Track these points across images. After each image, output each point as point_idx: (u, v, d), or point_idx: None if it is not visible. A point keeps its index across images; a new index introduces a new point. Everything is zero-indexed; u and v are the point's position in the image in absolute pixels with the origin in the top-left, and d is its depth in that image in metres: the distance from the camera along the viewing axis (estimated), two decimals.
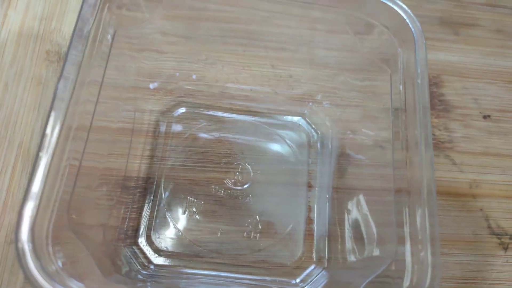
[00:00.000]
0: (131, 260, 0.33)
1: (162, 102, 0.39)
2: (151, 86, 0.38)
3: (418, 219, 0.27)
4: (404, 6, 0.31)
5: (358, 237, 0.34)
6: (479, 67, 0.47)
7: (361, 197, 0.36)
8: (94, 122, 0.28)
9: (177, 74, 0.39)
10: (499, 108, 0.45)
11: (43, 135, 0.24)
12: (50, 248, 0.23)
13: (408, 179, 0.29)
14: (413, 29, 0.31)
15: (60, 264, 0.23)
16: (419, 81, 0.29)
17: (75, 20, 0.41)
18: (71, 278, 0.22)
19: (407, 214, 0.28)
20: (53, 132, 0.24)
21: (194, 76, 0.40)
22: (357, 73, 0.36)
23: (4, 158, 0.36)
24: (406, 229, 0.27)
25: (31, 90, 0.39)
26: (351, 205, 0.36)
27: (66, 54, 0.26)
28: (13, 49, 0.40)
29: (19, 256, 0.21)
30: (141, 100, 0.38)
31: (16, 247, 0.21)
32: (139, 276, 0.32)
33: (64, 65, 0.26)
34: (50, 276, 0.21)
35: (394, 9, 0.31)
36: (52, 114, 0.25)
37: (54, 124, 0.24)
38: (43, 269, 0.21)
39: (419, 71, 0.30)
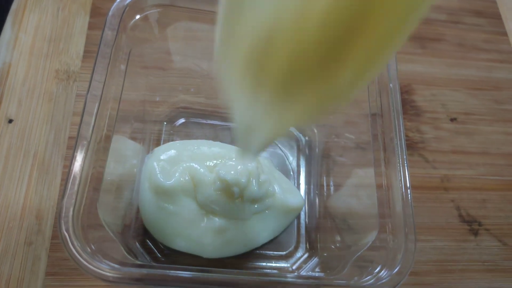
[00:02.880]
0: (142, 253, 0.37)
1: (165, 113, 0.43)
2: (157, 99, 0.42)
3: (396, 210, 0.31)
4: None
5: (345, 228, 0.38)
6: (445, 76, 0.52)
7: (346, 192, 0.40)
8: (114, 134, 0.32)
9: (179, 88, 0.43)
10: (464, 111, 0.50)
11: (75, 145, 0.28)
12: (84, 235, 0.26)
13: (387, 175, 0.33)
14: None
15: (94, 247, 0.26)
16: (391, 86, 0.34)
17: (81, 41, 0.46)
18: (105, 259, 0.25)
19: (387, 206, 0.32)
20: (83, 142, 0.28)
21: (192, 89, 0.44)
22: None
23: (21, 168, 0.40)
24: (387, 219, 0.31)
25: (43, 106, 0.42)
26: (337, 200, 0.41)
27: (92, 72, 0.30)
28: (25, 69, 0.44)
29: (63, 240, 0.25)
30: (148, 112, 0.42)
31: (60, 234, 0.25)
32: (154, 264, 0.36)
33: (90, 82, 0.30)
34: (89, 256, 0.25)
35: None
36: (82, 126, 0.29)
37: (83, 136, 0.28)
38: (83, 251, 0.25)
39: (391, 81, 0.35)
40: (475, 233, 0.44)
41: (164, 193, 0.36)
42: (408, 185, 0.31)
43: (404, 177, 0.32)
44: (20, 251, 0.36)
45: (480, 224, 0.44)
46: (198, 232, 0.36)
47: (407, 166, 0.32)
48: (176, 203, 0.36)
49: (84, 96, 0.42)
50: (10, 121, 0.41)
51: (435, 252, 0.42)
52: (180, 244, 0.37)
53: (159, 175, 0.37)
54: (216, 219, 0.37)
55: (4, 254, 0.36)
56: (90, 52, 0.46)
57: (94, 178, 0.29)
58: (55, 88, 0.43)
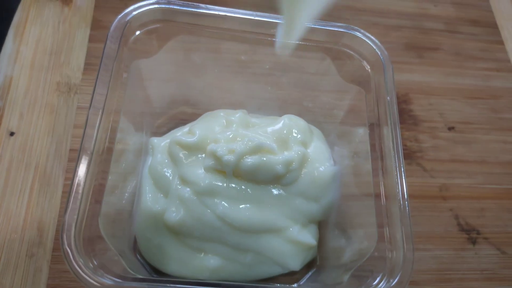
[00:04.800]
0: (143, 265, 0.37)
1: (165, 125, 0.44)
2: (157, 111, 0.43)
3: (394, 220, 0.31)
4: (373, 38, 0.37)
5: (344, 238, 0.38)
6: (442, 85, 0.53)
7: (343, 202, 0.40)
8: (116, 146, 0.33)
9: (179, 100, 0.44)
10: (462, 120, 0.51)
11: (78, 158, 0.29)
12: (86, 249, 0.26)
13: (385, 185, 0.33)
14: (381, 57, 0.36)
15: (95, 262, 0.26)
16: (388, 99, 0.35)
17: (82, 53, 0.47)
18: (107, 274, 0.26)
19: (386, 216, 0.32)
20: (85, 155, 0.29)
21: (191, 101, 0.44)
22: (337, 94, 0.42)
23: (22, 180, 0.40)
24: (386, 229, 0.32)
25: (44, 118, 0.43)
26: (335, 210, 0.40)
27: (94, 86, 0.31)
28: (26, 82, 0.45)
29: (65, 255, 0.25)
30: (148, 123, 0.42)
31: (62, 249, 0.25)
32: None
33: (93, 95, 0.30)
34: (91, 271, 0.25)
35: (365, 40, 0.37)
36: (85, 139, 0.29)
37: (86, 149, 0.29)
38: (85, 266, 0.25)
39: (388, 91, 0.35)
40: (474, 241, 0.44)
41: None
42: (405, 195, 0.32)
43: (402, 187, 0.32)
44: (22, 263, 0.37)
45: (478, 233, 0.45)
46: (192, 272, 0.37)
47: (404, 176, 0.32)
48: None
49: (85, 108, 0.44)
50: (12, 134, 0.42)
51: (434, 261, 0.42)
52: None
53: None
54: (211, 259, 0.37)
55: (6, 266, 0.36)
56: (91, 65, 0.46)
57: (96, 191, 0.30)
58: (56, 101, 0.44)
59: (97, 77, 0.31)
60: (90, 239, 0.27)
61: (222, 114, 0.41)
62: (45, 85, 0.45)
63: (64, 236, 0.26)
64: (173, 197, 0.37)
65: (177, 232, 0.36)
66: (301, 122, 0.41)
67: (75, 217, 0.27)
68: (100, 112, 0.30)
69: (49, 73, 0.45)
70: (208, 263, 0.36)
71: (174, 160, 0.38)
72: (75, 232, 0.26)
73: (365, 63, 0.37)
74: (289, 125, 0.40)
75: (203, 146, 0.38)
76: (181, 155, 0.38)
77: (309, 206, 0.38)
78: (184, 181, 0.37)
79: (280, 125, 0.40)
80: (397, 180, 0.32)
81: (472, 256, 0.43)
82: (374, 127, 0.36)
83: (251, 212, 0.37)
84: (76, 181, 0.28)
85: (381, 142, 0.35)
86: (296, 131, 0.40)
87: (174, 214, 0.36)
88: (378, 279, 0.29)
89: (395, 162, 0.33)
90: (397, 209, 0.31)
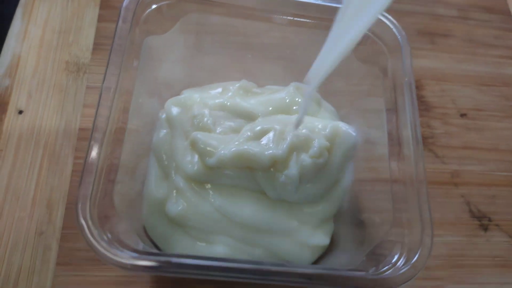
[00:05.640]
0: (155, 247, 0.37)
1: None
2: (164, 94, 0.42)
3: (412, 204, 0.31)
4: (391, 18, 0.36)
5: (357, 222, 0.38)
6: (454, 72, 0.52)
7: (357, 187, 0.40)
8: (128, 126, 0.32)
9: (189, 78, 0.43)
10: (474, 107, 0.50)
11: (91, 137, 0.28)
12: (100, 224, 0.26)
13: (402, 170, 0.33)
14: (399, 38, 0.36)
15: (109, 235, 0.26)
16: (406, 80, 0.34)
17: (91, 33, 0.46)
18: (122, 248, 0.25)
19: (403, 201, 0.32)
20: (98, 134, 0.28)
21: (202, 80, 0.43)
22: (352, 75, 0.41)
23: (31, 158, 0.39)
24: (402, 214, 0.31)
25: (53, 97, 0.42)
26: (348, 194, 0.40)
27: (107, 65, 0.30)
28: (34, 61, 0.44)
29: (80, 229, 0.25)
30: (156, 106, 0.42)
31: (77, 223, 0.25)
32: None
33: (105, 75, 0.30)
34: (106, 244, 0.24)
35: (382, 20, 0.36)
36: (98, 119, 0.29)
37: (99, 128, 0.28)
38: (100, 239, 0.25)
39: (406, 74, 0.35)
40: (485, 228, 0.44)
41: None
42: (424, 180, 0.31)
43: (421, 172, 0.31)
44: (31, 241, 0.36)
45: (490, 220, 0.44)
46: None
47: (423, 160, 0.32)
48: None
49: (94, 88, 0.43)
50: (20, 112, 0.41)
51: (445, 247, 0.42)
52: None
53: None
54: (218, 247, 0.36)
55: (15, 244, 0.36)
56: (100, 45, 0.46)
57: (110, 170, 0.29)
58: (65, 80, 0.43)
59: (109, 57, 0.30)
60: (105, 215, 0.27)
61: (224, 84, 0.40)
62: (53, 64, 0.44)
63: (80, 210, 0.25)
64: (171, 186, 0.37)
65: (179, 224, 0.36)
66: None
67: (90, 191, 0.26)
68: (113, 92, 0.29)
69: (57, 53, 0.45)
70: (215, 251, 0.35)
71: (171, 134, 0.38)
72: (90, 206, 0.26)
73: (381, 44, 0.36)
74: (293, 94, 0.39)
75: (190, 104, 0.38)
76: (176, 123, 0.38)
77: (320, 207, 0.37)
78: (177, 166, 0.36)
79: (283, 94, 0.39)
80: (416, 165, 0.31)
81: (483, 243, 0.43)
82: (391, 113, 0.35)
83: (253, 210, 0.36)
84: (90, 159, 0.28)
85: (398, 126, 0.34)
86: (300, 100, 0.39)
87: (174, 206, 0.35)
88: (393, 260, 0.29)
89: (414, 147, 0.32)
90: (415, 195, 0.31)
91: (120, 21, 0.32)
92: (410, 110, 0.33)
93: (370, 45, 0.37)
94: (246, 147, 0.35)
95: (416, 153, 0.32)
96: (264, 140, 0.36)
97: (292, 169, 0.35)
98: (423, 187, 0.30)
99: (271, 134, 0.36)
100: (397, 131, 0.33)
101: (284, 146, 0.35)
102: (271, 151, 0.34)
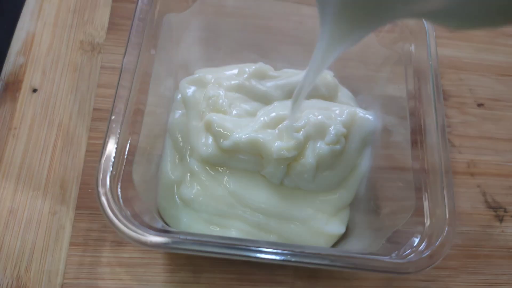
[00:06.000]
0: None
1: None
2: (180, 74, 0.42)
3: (435, 194, 0.30)
4: None
5: (375, 209, 0.37)
6: (472, 61, 0.51)
7: (373, 174, 0.39)
8: (147, 108, 0.32)
9: (202, 62, 0.42)
10: (492, 97, 0.50)
11: (110, 115, 0.28)
12: (121, 201, 0.26)
13: (425, 159, 0.32)
14: (425, 23, 0.35)
15: (127, 213, 0.26)
16: (432, 68, 0.33)
17: (106, 12, 0.45)
18: (141, 225, 0.25)
19: (424, 190, 0.31)
20: (119, 114, 0.28)
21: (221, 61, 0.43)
22: (374, 64, 0.40)
23: (45, 137, 0.39)
24: (425, 203, 0.31)
25: (67, 76, 0.42)
26: (366, 181, 0.39)
27: (126, 46, 0.30)
28: (49, 39, 0.43)
29: (102, 207, 0.24)
30: (172, 87, 0.41)
31: (99, 201, 0.25)
32: None
33: (124, 55, 0.29)
34: (128, 221, 0.24)
35: None
36: (117, 99, 0.28)
37: (119, 107, 0.28)
38: (122, 217, 0.24)
39: (431, 60, 0.34)
40: (501, 219, 0.43)
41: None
42: (450, 169, 0.31)
43: (445, 161, 0.31)
44: (45, 220, 0.36)
45: (505, 211, 0.44)
46: None
47: (448, 150, 0.31)
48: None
49: (109, 68, 0.43)
50: (35, 90, 0.41)
51: (460, 237, 0.41)
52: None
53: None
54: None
55: (29, 222, 0.36)
56: (115, 25, 0.45)
57: (128, 150, 0.29)
58: (80, 59, 0.43)
59: (128, 37, 0.30)
60: (125, 194, 0.27)
61: (240, 65, 0.40)
62: (68, 43, 0.44)
63: (100, 189, 0.25)
64: (185, 169, 0.36)
65: (193, 208, 0.35)
66: (328, 77, 0.40)
67: (110, 170, 0.26)
68: (132, 74, 0.29)
69: (72, 31, 0.44)
70: (230, 234, 0.35)
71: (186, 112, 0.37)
72: (110, 185, 0.25)
73: (405, 29, 0.35)
74: None
75: (205, 83, 0.38)
76: (190, 104, 0.37)
77: (337, 195, 0.37)
78: (191, 148, 0.36)
79: (299, 78, 0.39)
80: (441, 154, 0.31)
81: (498, 234, 0.43)
82: (413, 98, 0.35)
83: (267, 195, 0.36)
84: (109, 138, 0.27)
85: (421, 114, 0.33)
86: (319, 85, 0.39)
87: (188, 190, 0.35)
88: (414, 247, 0.28)
89: (439, 135, 0.32)
90: (439, 184, 0.30)
91: (140, 1, 0.32)
92: (435, 97, 0.32)
93: (393, 30, 0.36)
94: (261, 136, 0.34)
95: (441, 142, 0.32)
96: (279, 129, 0.35)
97: (309, 158, 0.35)
98: (448, 176, 0.30)
99: (286, 123, 0.35)
100: (420, 118, 0.33)
101: (299, 137, 0.34)
102: (282, 145, 0.34)
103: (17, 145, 0.38)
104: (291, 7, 0.39)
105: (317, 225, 0.36)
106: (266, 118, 0.36)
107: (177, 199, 0.36)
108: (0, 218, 0.36)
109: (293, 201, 0.36)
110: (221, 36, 0.40)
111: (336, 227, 0.36)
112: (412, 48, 0.36)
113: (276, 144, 0.34)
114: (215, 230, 0.35)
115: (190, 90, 0.38)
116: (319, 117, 0.36)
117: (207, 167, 0.36)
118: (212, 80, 0.38)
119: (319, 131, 0.36)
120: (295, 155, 0.34)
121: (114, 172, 0.26)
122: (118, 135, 0.27)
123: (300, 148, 0.34)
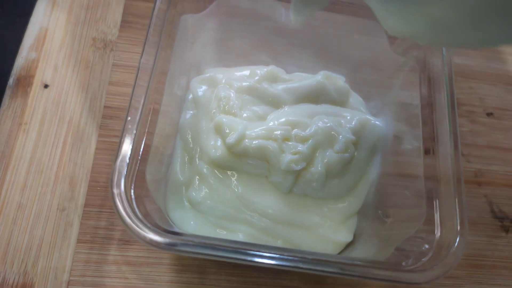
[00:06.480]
0: None
1: None
2: (192, 75, 0.42)
3: (447, 203, 0.30)
4: None
5: (384, 217, 0.37)
6: (483, 70, 0.51)
7: (381, 180, 0.39)
8: (161, 108, 0.32)
9: (215, 63, 0.42)
10: (501, 107, 0.49)
11: (127, 116, 0.28)
12: (134, 202, 0.26)
13: (436, 167, 0.32)
14: None
15: (140, 213, 0.26)
16: (446, 76, 0.33)
17: (119, 10, 0.45)
18: (152, 226, 0.25)
19: (435, 198, 0.31)
20: (135, 114, 0.28)
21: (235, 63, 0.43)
22: (387, 70, 0.40)
23: (56, 133, 0.39)
24: (435, 212, 0.30)
25: (79, 73, 0.42)
26: (375, 188, 0.39)
27: (144, 45, 0.30)
28: (61, 35, 0.43)
29: (115, 207, 0.24)
30: (185, 87, 0.41)
31: (113, 201, 0.25)
32: None
33: (142, 54, 0.30)
34: (141, 223, 0.24)
35: None
36: (134, 98, 0.28)
37: (135, 107, 0.28)
38: (135, 218, 0.24)
39: (446, 70, 0.34)
40: (507, 230, 0.43)
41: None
42: (461, 179, 0.31)
43: (458, 170, 0.31)
44: (53, 216, 0.36)
45: None
46: None
47: (460, 159, 0.31)
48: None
49: (121, 66, 0.43)
50: (46, 86, 0.41)
51: (466, 246, 0.41)
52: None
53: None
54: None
55: (37, 217, 0.36)
56: (128, 22, 0.45)
57: (143, 149, 0.29)
58: (92, 56, 0.43)
59: (146, 37, 0.30)
60: (137, 195, 0.27)
61: (252, 67, 0.40)
62: (80, 40, 0.44)
63: (114, 190, 0.25)
64: (194, 171, 0.36)
65: (201, 210, 0.35)
66: (339, 82, 0.40)
67: (125, 171, 0.26)
68: (149, 73, 0.29)
69: (85, 28, 0.44)
70: (237, 238, 0.35)
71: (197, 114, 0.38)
72: (125, 186, 0.25)
73: None
74: (322, 83, 0.39)
75: (216, 83, 0.38)
76: (201, 103, 0.37)
77: (346, 203, 0.37)
78: (201, 150, 0.36)
79: (311, 82, 0.39)
80: (454, 164, 0.31)
81: (504, 244, 0.42)
82: (426, 106, 0.35)
83: (276, 201, 0.36)
84: (124, 138, 0.27)
85: (434, 122, 0.33)
86: (330, 90, 0.39)
87: (197, 192, 0.35)
88: (424, 258, 0.28)
89: (452, 144, 0.32)
90: (451, 193, 0.30)
91: (158, 1, 0.32)
92: (449, 105, 0.32)
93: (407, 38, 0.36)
94: (270, 144, 0.34)
95: (454, 152, 0.32)
96: (287, 136, 0.36)
97: (318, 166, 0.35)
98: (460, 186, 0.30)
99: (295, 131, 0.36)
100: (433, 126, 0.32)
101: (305, 148, 0.34)
102: (291, 158, 0.34)
103: (27, 140, 0.38)
104: None
105: (325, 233, 0.36)
106: (275, 123, 0.36)
107: (185, 201, 0.36)
108: (8, 213, 0.36)
109: (301, 208, 0.36)
110: (234, 37, 0.40)
111: (344, 236, 0.36)
112: (426, 55, 0.35)
113: (285, 156, 0.34)
114: (222, 234, 0.35)
115: (201, 90, 0.38)
116: (328, 124, 0.36)
117: (215, 170, 0.36)
118: (223, 81, 0.38)
119: (328, 139, 0.36)
120: (304, 166, 0.34)
121: (128, 173, 0.26)
122: (133, 136, 0.28)
123: (309, 159, 0.35)
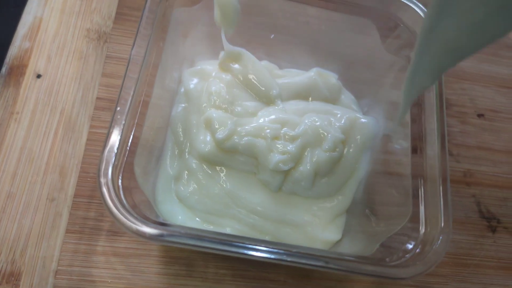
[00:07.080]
0: None
1: None
2: (184, 68, 0.42)
3: (432, 201, 0.30)
4: (421, 6, 0.36)
5: (371, 214, 0.37)
6: (475, 71, 0.52)
7: (370, 178, 0.39)
8: (152, 100, 0.32)
9: (207, 57, 0.42)
10: (492, 108, 0.50)
11: (116, 106, 0.28)
12: (122, 192, 0.26)
13: (423, 166, 0.32)
14: None
15: (127, 204, 0.26)
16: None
17: (114, 2, 0.45)
18: (141, 218, 0.25)
19: (422, 197, 0.31)
20: (124, 105, 0.28)
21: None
22: (379, 69, 0.40)
23: (47, 123, 0.39)
24: (421, 209, 0.31)
25: (72, 63, 0.42)
26: (363, 186, 0.39)
27: (135, 37, 0.30)
28: (55, 25, 0.43)
29: (102, 195, 0.25)
30: (177, 80, 0.41)
31: (100, 191, 0.25)
32: None
33: (133, 46, 0.30)
34: (127, 213, 0.24)
35: (417, 12, 0.35)
36: (124, 89, 0.28)
37: (125, 98, 0.28)
38: (122, 208, 0.24)
39: None
40: (493, 230, 0.44)
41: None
42: (447, 178, 0.31)
43: (444, 169, 0.31)
44: (42, 206, 0.36)
45: (499, 222, 0.44)
46: None
47: (447, 158, 0.32)
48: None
49: (114, 58, 0.43)
50: (39, 76, 0.41)
51: (452, 245, 0.42)
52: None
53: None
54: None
55: (26, 207, 0.36)
56: (122, 15, 0.45)
57: (131, 141, 0.29)
58: (85, 47, 0.43)
59: (138, 29, 0.30)
60: (125, 186, 0.27)
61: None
62: (74, 30, 0.44)
63: (102, 180, 0.25)
64: (183, 165, 0.36)
65: (189, 205, 0.36)
66: (331, 79, 0.40)
67: (113, 161, 0.26)
68: (140, 65, 0.29)
69: (79, 19, 0.44)
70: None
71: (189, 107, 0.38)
72: (112, 176, 0.26)
73: (411, 36, 0.36)
74: (314, 79, 0.39)
75: (207, 75, 0.38)
76: (192, 96, 0.37)
77: (335, 202, 0.37)
78: (191, 145, 0.36)
79: (303, 78, 0.39)
80: (441, 163, 0.31)
81: (490, 244, 0.43)
82: (416, 105, 0.35)
83: (264, 198, 0.36)
84: (113, 129, 0.27)
85: (422, 121, 0.34)
86: (322, 87, 0.39)
87: (185, 187, 0.35)
88: (408, 253, 0.29)
89: (439, 144, 0.32)
90: (437, 192, 0.30)
91: None
92: (438, 106, 0.32)
93: (399, 37, 0.37)
94: (258, 142, 0.34)
95: (441, 151, 0.32)
96: (278, 135, 0.36)
97: (306, 165, 0.35)
98: (446, 185, 0.30)
99: (284, 130, 0.36)
100: (421, 126, 0.33)
101: (294, 148, 0.35)
102: (280, 158, 0.34)
103: (19, 129, 0.38)
104: (299, 7, 0.39)
105: (314, 231, 0.36)
106: (265, 119, 0.36)
107: (174, 195, 0.36)
108: None
109: (290, 207, 0.36)
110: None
111: (333, 234, 0.36)
112: None
113: (273, 156, 0.34)
114: (209, 228, 0.35)
115: (193, 83, 0.38)
116: (318, 123, 0.36)
117: (204, 166, 0.36)
118: (213, 74, 0.38)
119: (317, 138, 0.36)
120: (292, 166, 0.35)
121: (116, 163, 0.26)
122: (122, 126, 0.28)
123: (297, 159, 0.35)
